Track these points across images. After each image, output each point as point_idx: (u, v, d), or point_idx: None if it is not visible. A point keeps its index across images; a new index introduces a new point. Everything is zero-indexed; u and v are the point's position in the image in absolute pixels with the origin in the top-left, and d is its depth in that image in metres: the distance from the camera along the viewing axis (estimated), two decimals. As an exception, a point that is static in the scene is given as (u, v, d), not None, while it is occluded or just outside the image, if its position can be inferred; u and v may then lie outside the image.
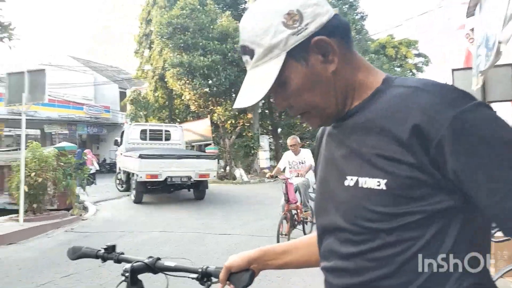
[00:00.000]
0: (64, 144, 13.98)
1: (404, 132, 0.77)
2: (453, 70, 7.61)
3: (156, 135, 14.24)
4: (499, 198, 0.71)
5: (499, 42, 2.86)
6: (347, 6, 24.03)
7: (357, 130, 0.86)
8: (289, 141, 6.98)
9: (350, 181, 0.84)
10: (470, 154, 0.72)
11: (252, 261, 1.14)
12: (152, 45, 21.15)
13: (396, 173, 0.77)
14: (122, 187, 14.16)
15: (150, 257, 1.30)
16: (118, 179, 14.59)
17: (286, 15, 0.82)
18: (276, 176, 6.77)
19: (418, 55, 37.89)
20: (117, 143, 15.41)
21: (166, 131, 14.63)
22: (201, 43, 16.95)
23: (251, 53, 0.87)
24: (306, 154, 6.89)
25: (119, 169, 14.43)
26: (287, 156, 7.01)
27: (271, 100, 22.26)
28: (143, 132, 14.08)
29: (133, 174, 11.73)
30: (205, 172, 11.60)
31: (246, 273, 1.14)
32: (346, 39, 0.88)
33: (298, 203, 6.70)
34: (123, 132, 14.66)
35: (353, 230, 0.83)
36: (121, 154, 13.69)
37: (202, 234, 7.22)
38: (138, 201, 11.30)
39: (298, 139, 7.12)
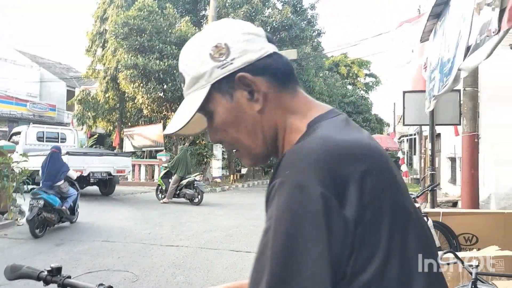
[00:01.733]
0: (2, 143, 13.02)
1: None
2: (405, 92, 7.86)
3: (52, 138, 15.72)
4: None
5: (459, 70, 2.93)
6: (305, 22, 24.43)
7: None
8: None
9: None
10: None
11: None
12: (105, 44, 20.36)
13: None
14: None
15: (101, 284, 1.16)
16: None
17: (214, 47, 0.82)
18: None
19: (370, 75, 39.56)
20: None
21: (61, 133, 16.48)
22: (157, 47, 16.58)
23: (183, 80, 0.86)
24: None
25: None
26: None
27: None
28: (40, 134, 15.38)
29: None
30: (122, 168, 13.47)
31: None
32: (280, 79, 0.83)
33: None
34: (15, 133, 15.53)
35: None
36: (20, 154, 13.53)
37: (148, 245, 6.90)
38: None
39: None
